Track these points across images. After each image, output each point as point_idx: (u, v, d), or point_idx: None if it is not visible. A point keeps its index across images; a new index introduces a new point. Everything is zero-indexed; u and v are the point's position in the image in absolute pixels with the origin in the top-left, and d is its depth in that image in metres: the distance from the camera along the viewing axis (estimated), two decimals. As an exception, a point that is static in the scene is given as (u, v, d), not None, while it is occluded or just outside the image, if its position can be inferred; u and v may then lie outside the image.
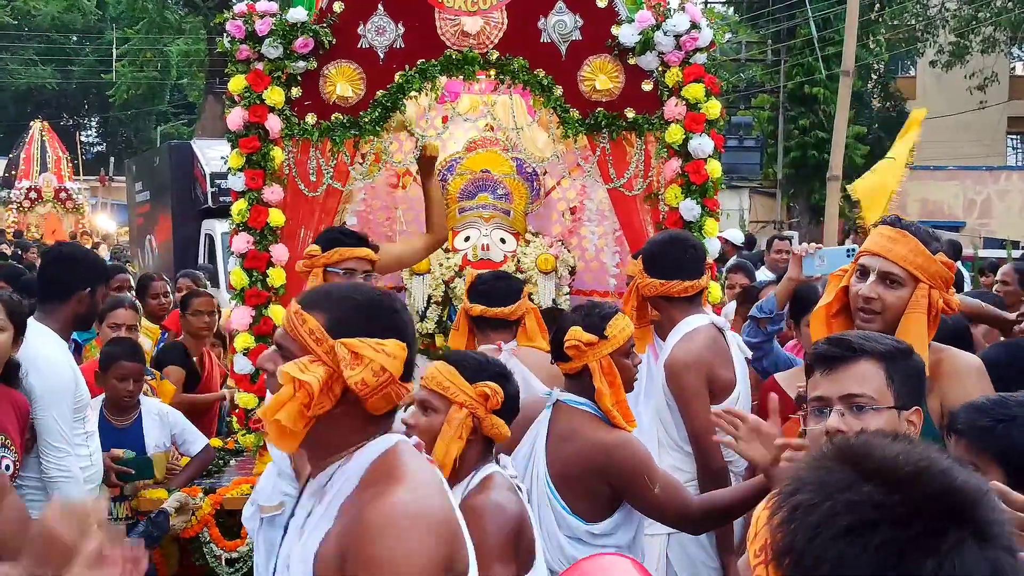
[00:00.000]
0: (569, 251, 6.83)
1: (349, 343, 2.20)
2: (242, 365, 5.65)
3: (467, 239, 6.66)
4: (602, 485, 3.53)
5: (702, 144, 5.65)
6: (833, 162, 5.97)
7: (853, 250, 4.70)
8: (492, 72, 5.79)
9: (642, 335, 4.42)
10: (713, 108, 5.68)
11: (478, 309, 4.68)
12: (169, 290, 8.08)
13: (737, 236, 12.25)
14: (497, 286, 4.73)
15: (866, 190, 6.51)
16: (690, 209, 5.66)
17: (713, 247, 5.74)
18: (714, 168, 5.69)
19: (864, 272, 3.42)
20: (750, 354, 4.64)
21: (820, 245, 4.77)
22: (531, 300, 5.75)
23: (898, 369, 2.54)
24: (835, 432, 2.49)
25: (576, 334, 3.64)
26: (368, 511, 2.09)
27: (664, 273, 4.31)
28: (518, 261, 6.59)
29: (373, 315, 2.25)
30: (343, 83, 5.69)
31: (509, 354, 4.52)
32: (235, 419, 5.86)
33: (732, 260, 8.96)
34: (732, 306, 5.33)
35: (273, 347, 2.30)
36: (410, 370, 2.30)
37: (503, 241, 6.65)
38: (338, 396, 2.21)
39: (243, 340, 5.66)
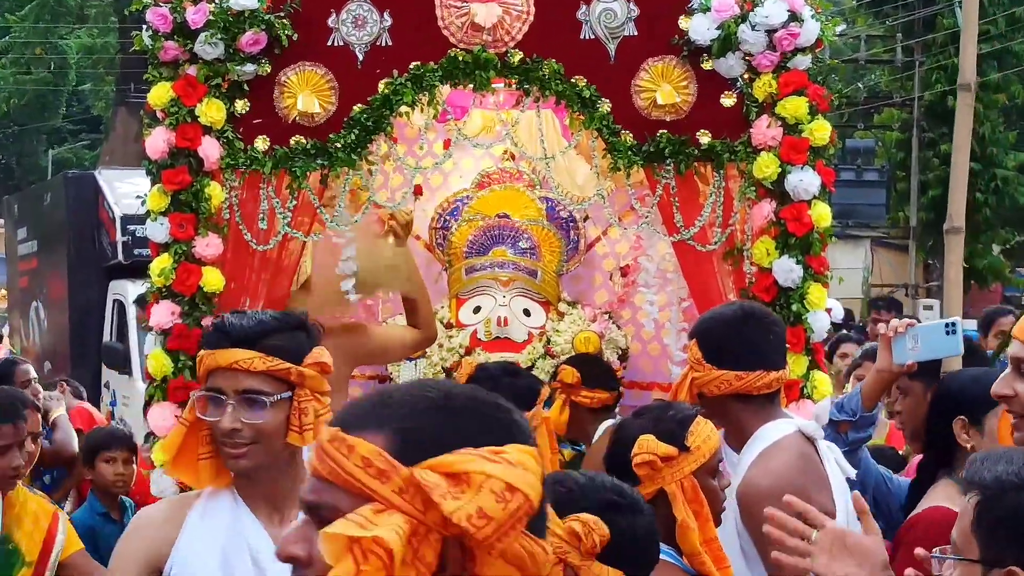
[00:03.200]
0: (619, 327, 6.85)
1: (439, 463, 1.89)
2: (163, 486, 5.64)
3: (477, 310, 6.67)
4: None
5: (805, 180, 5.67)
6: (952, 208, 5.93)
7: (954, 325, 4.73)
8: (513, 80, 5.84)
9: None
10: (820, 130, 5.70)
11: None
12: (34, 376, 8.08)
13: (836, 310, 12.14)
14: (503, 384, 4.68)
15: None
16: (788, 271, 5.67)
17: (821, 324, 5.74)
18: (821, 214, 5.71)
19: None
20: (853, 473, 4.63)
21: (914, 321, 4.77)
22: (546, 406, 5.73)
23: (999, 508, 2.52)
24: None
25: (649, 445, 3.65)
26: None
27: (738, 362, 4.29)
28: (548, 341, 6.60)
29: (467, 420, 1.96)
30: (307, 94, 5.73)
31: None
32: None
33: (866, 344, 8.96)
34: (827, 403, 5.37)
35: (299, 516, 1.99)
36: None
37: (527, 313, 6.67)
38: (436, 559, 1.89)
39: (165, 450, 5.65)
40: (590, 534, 3.05)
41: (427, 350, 6.58)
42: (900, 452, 7.09)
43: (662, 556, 3.61)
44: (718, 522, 3.77)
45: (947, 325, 4.72)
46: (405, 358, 6.59)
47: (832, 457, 4.40)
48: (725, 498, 3.87)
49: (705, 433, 3.74)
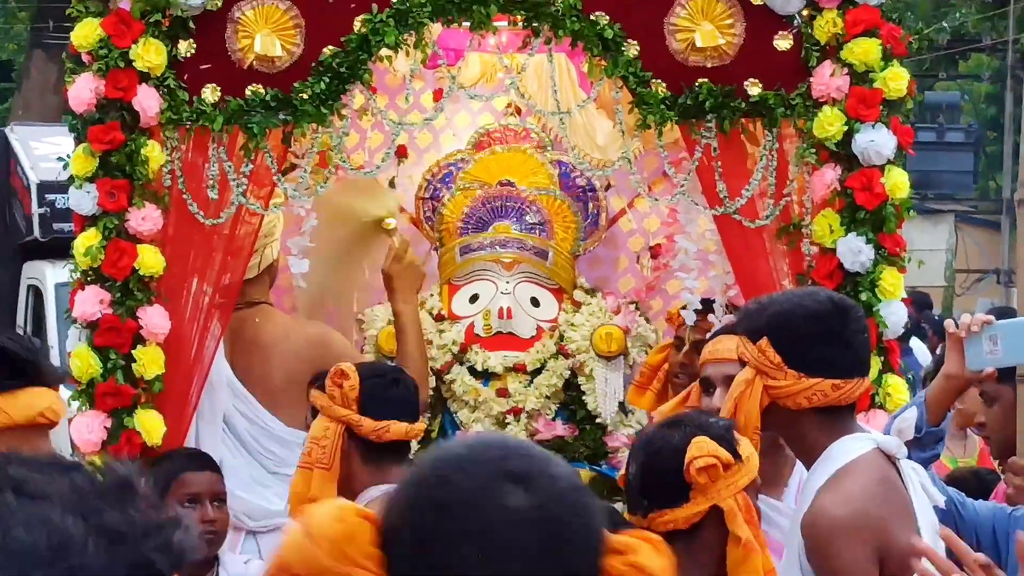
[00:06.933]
0: (649, 321, 6.86)
1: None
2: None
3: (474, 299, 6.68)
4: None
5: (877, 141, 5.67)
6: (1023, 175, 5.92)
7: None
8: (519, 17, 5.84)
9: None
10: (896, 79, 5.70)
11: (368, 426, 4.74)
12: None
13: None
14: (394, 394, 4.83)
15: None
16: (856, 252, 5.68)
17: (897, 317, 5.76)
18: (897, 182, 5.71)
19: None
20: (942, 500, 4.62)
21: (990, 318, 4.75)
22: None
23: None
24: None
25: (710, 447, 3.69)
26: None
27: (834, 367, 4.23)
28: (561, 337, 6.59)
29: None
30: (266, 34, 5.73)
31: None
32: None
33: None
34: (913, 412, 5.28)
35: None
36: None
37: (536, 303, 6.67)
38: None
39: (91, 469, 5.66)
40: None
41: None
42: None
43: None
44: None
45: None
46: None
47: (918, 481, 4.35)
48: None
49: (750, 446, 3.81)
